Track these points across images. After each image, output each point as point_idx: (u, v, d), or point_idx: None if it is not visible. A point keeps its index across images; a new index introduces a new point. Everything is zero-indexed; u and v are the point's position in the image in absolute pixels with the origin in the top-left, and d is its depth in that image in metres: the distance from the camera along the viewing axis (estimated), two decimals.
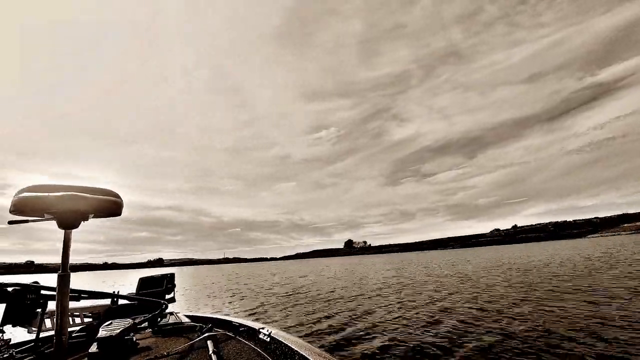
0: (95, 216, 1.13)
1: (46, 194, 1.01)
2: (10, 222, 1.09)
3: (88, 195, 1.07)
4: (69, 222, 1.07)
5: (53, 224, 1.08)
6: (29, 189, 1.01)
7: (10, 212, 1.01)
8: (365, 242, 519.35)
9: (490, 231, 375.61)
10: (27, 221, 1.10)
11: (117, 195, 1.16)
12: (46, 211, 1.03)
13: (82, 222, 1.09)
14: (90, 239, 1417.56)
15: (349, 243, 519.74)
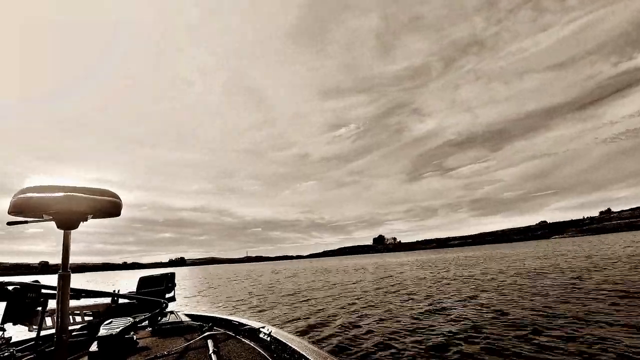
0: (94, 217, 1.17)
1: (45, 194, 1.06)
2: (9, 223, 1.15)
3: (87, 195, 1.12)
4: (67, 223, 1.12)
5: (52, 225, 1.12)
6: (27, 190, 1.06)
7: (9, 213, 1.07)
8: (394, 239, 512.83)
9: (600, 213, 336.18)
10: (26, 222, 1.16)
11: (116, 196, 1.20)
12: (45, 212, 1.08)
13: (81, 222, 1.15)
14: (121, 241, 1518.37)
15: (380, 239, 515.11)
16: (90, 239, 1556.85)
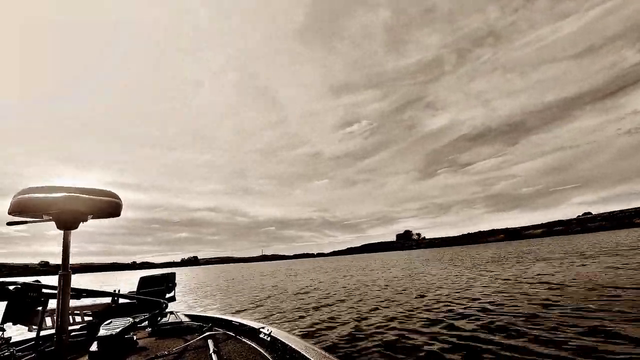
0: (94, 217, 1.26)
1: (45, 195, 1.13)
2: (9, 224, 1.24)
3: (86, 196, 1.19)
4: (67, 223, 1.20)
5: (52, 225, 1.20)
6: (27, 190, 1.13)
7: (9, 213, 1.14)
8: (419, 235, 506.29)
9: None
10: (25, 222, 1.24)
11: (116, 196, 1.29)
12: (45, 212, 1.15)
13: (81, 222, 1.23)
14: (140, 241, 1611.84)
15: (406, 235, 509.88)
16: (111, 240, 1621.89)
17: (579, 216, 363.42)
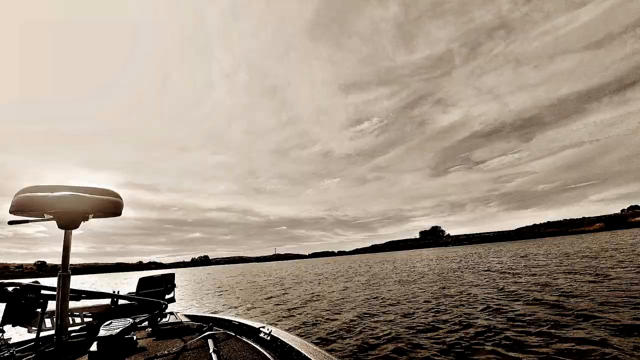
0: (95, 216, 1.32)
1: (46, 194, 1.18)
2: (11, 222, 1.30)
3: (88, 195, 1.24)
4: (68, 223, 1.25)
5: (53, 224, 1.26)
6: (29, 189, 1.18)
7: (10, 212, 1.19)
8: (442, 232, 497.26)
9: None
10: (27, 221, 1.31)
11: (117, 195, 1.35)
12: (46, 211, 1.20)
13: (82, 222, 1.29)
14: (154, 241, 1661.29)
15: (434, 232, 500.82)
16: (126, 240, 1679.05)
17: (623, 210, 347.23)
